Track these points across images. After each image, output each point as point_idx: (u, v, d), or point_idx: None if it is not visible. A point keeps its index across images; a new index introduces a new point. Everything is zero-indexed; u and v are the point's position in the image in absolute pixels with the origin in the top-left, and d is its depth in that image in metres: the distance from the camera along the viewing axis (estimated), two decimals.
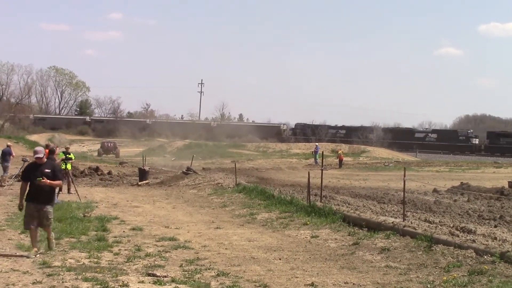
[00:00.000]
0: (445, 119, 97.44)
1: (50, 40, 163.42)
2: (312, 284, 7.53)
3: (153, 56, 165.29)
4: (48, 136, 69.90)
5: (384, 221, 11.60)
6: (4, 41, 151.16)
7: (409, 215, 12.97)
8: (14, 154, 23.27)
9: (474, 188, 22.06)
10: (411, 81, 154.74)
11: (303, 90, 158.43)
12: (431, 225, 11.18)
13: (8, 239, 10.36)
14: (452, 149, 71.05)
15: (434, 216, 13.59)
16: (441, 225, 11.27)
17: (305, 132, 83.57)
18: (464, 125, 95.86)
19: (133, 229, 12.15)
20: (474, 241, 9.28)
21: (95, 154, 54.75)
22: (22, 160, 19.69)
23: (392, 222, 11.35)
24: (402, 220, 11.68)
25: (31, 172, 9.16)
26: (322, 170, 16.47)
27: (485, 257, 8.34)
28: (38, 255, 8.81)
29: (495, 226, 12.12)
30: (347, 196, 18.59)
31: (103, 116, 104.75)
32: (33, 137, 62.08)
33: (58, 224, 11.97)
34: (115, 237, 11.02)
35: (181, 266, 8.60)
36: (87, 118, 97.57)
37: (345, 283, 7.67)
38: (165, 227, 12.78)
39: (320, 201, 15.18)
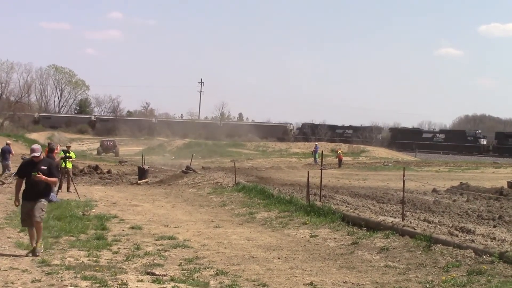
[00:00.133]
0: (445, 119, 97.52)
1: (50, 39, 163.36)
2: (311, 284, 7.53)
3: (152, 55, 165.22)
4: (48, 135, 69.92)
5: (383, 220, 11.61)
6: (4, 39, 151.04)
7: (408, 215, 12.98)
8: (13, 152, 23.27)
9: (473, 188, 22.07)
10: (411, 81, 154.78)
11: (303, 90, 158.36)
12: (430, 225, 11.19)
13: (7, 237, 10.36)
14: (460, 150, 70.62)
15: (433, 216, 13.59)
16: (440, 225, 11.28)
17: (312, 132, 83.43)
18: (464, 125, 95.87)
19: (132, 228, 12.16)
20: (473, 241, 9.29)
21: (95, 152, 54.73)
22: (22, 159, 19.69)
23: (391, 222, 11.36)
24: (401, 219, 11.69)
25: (27, 169, 9.12)
26: (321, 169, 16.47)
27: (484, 257, 8.35)
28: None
29: (494, 226, 12.13)
30: (347, 195, 18.59)
31: (103, 115, 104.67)
32: (33, 136, 62.09)
33: (57, 222, 12.00)
34: (114, 235, 11.03)
35: (180, 265, 8.60)
36: (92, 117, 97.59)
37: (344, 282, 7.67)
38: (164, 226, 12.78)
39: (320, 201, 15.18)
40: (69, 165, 19.72)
